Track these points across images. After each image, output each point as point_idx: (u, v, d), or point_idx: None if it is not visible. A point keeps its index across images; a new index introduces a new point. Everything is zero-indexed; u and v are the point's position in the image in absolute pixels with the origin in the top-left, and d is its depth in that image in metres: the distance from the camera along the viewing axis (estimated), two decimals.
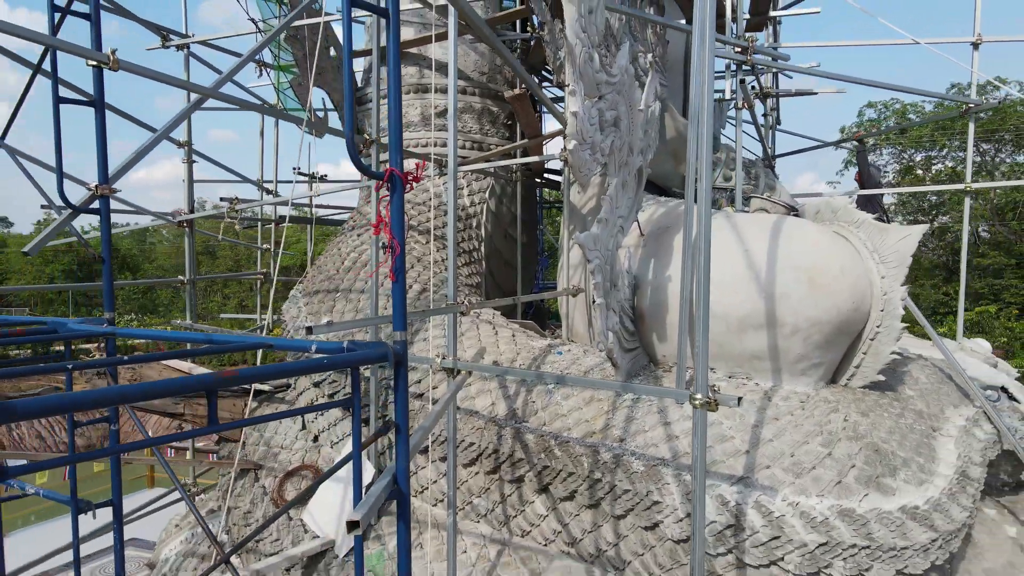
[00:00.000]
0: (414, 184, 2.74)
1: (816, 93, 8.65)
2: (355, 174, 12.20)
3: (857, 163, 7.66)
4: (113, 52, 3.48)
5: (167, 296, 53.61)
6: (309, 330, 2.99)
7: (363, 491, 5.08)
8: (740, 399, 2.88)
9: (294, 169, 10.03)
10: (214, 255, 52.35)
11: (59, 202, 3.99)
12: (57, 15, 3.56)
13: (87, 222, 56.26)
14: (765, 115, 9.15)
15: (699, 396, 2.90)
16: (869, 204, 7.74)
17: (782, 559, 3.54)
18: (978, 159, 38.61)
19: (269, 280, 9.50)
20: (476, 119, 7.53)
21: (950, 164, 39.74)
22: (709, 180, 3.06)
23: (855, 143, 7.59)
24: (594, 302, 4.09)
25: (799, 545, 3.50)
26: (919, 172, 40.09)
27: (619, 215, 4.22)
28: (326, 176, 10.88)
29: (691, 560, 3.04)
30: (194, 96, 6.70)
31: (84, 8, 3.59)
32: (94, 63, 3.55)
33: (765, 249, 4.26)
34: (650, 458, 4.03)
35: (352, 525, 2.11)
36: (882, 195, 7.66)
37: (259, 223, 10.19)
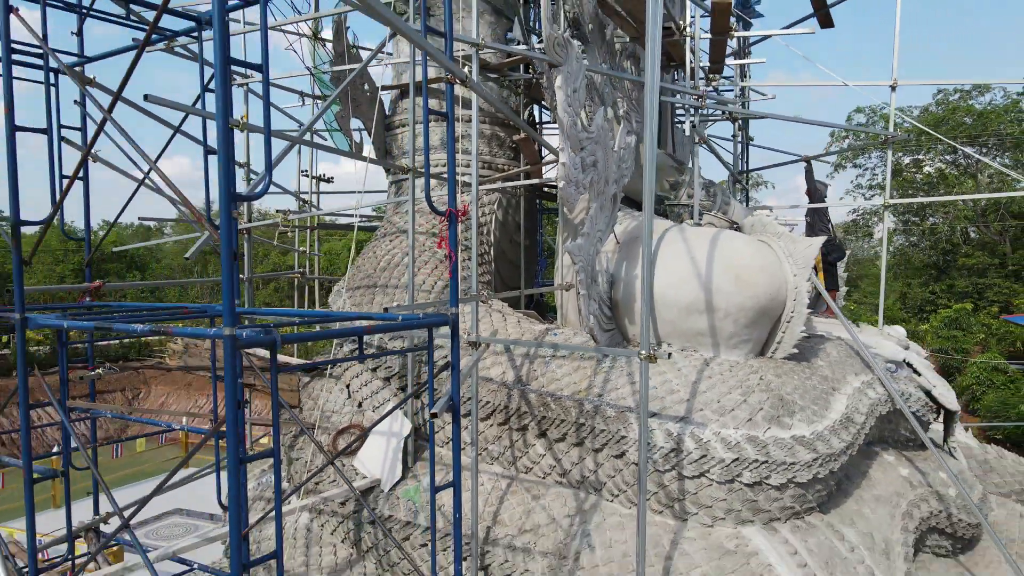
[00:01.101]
0: (462, 218, 4.31)
1: (766, 116, 10.16)
2: (357, 177, 13.70)
3: (806, 180, 9.21)
4: (244, 118, 5.04)
5: (174, 294, 55.07)
6: (385, 310, 4.57)
7: (403, 442, 6.71)
8: (670, 353, 4.46)
9: (303, 172, 11.42)
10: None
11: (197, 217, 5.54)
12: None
13: (99, 220, 58.22)
14: (734, 135, 10.73)
15: (644, 352, 4.48)
16: (817, 215, 9.31)
17: (708, 471, 5.12)
18: (963, 161, 40.12)
19: (306, 278, 11.03)
20: (487, 143, 9.09)
21: (940, 166, 41.30)
22: (652, 201, 4.63)
23: (805, 163, 9.12)
24: (579, 294, 5.67)
25: (719, 461, 5.08)
26: (908, 174, 41.64)
27: (598, 229, 5.80)
28: (332, 179, 12.26)
29: (639, 470, 4.60)
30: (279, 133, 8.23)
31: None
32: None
33: (706, 254, 5.84)
34: (620, 407, 5.60)
35: (433, 415, 3.69)
36: (826, 207, 9.23)
37: (296, 228, 11.72)
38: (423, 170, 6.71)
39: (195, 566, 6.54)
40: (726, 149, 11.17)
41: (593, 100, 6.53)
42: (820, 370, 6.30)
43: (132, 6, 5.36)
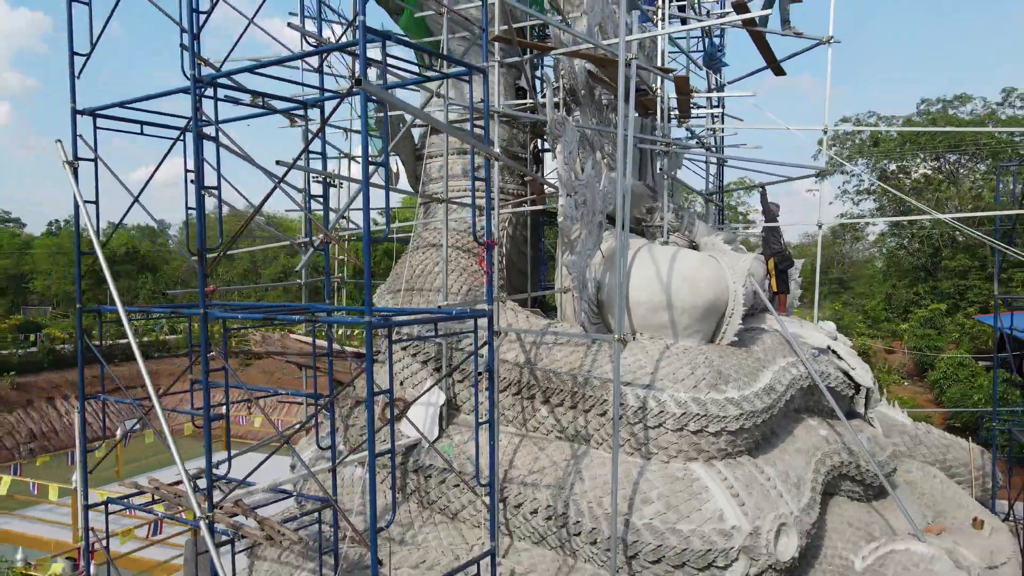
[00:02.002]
0: (495, 245, 6.44)
1: (729, 157, 12.32)
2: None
3: (761, 203, 11.32)
4: (334, 172, 7.15)
5: (186, 294, 57.10)
6: (440, 307, 6.69)
7: (439, 409, 8.84)
8: (635, 336, 6.58)
9: (313, 176, 13.47)
10: (232, 258, 55.81)
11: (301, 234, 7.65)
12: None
13: (106, 221, 60.25)
14: (707, 160, 12.88)
15: (617, 337, 6.60)
16: (770, 232, 11.44)
17: (665, 423, 7.26)
18: (947, 166, 42.19)
19: (344, 282, 13.11)
20: (499, 171, 11.22)
21: (927, 171, 43.40)
22: (627, 228, 6.77)
23: (760, 189, 11.25)
24: (574, 297, 7.80)
25: (672, 415, 7.22)
26: (899, 178, 43.78)
27: (588, 248, 7.93)
28: (342, 183, 14.23)
29: (613, 423, 6.71)
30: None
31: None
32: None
33: (667, 267, 7.98)
34: (603, 378, 7.73)
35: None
36: (778, 225, 11.36)
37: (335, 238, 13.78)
38: (454, 196, 8.84)
39: (295, 494, 8.60)
40: (700, 174, 13.31)
41: (585, 148, 8.66)
42: (755, 353, 8.45)
43: (258, 96, 7.45)
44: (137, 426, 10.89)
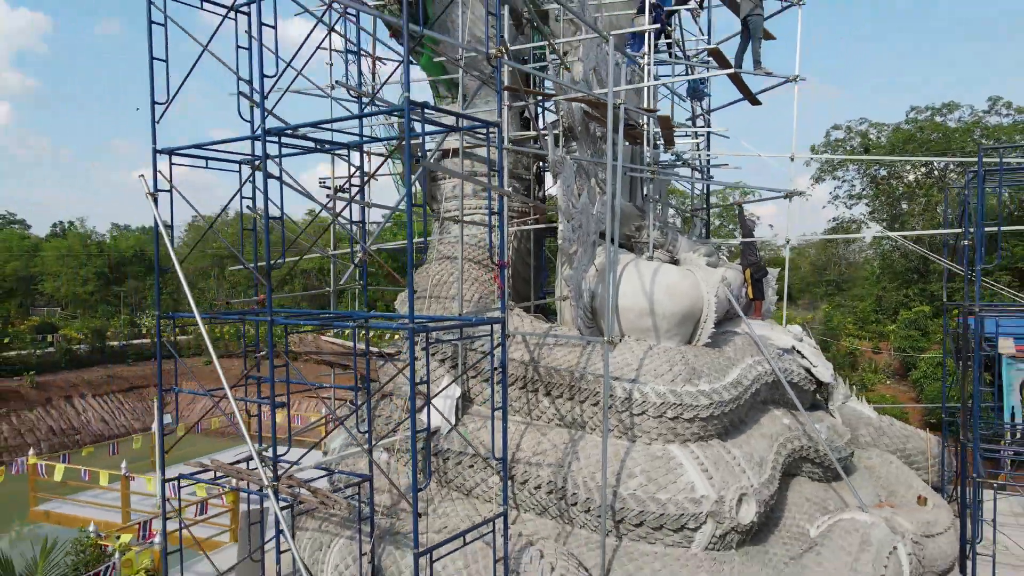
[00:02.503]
0: (508, 265, 7.93)
1: (709, 180, 13.78)
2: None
3: (738, 219, 12.79)
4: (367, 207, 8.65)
5: (193, 296, 58.44)
6: (460, 314, 8.19)
7: (455, 401, 10.39)
8: (621, 339, 8.09)
9: (321, 180, 14.93)
10: (237, 257, 57.16)
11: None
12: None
13: (109, 223, 61.86)
14: (691, 179, 14.36)
15: (607, 339, 8.10)
16: (747, 246, 12.94)
17: (647, 411, 8.77)
18: (937, 172, 43.63)
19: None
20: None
21: (919, 177, 44.86)
22: (616, 246, 8.27)
23: (737, 207, 12.71)
24: (571, 305, 9.29)
25: (653, 404, 8.72)
26: (891, 183, 45.24)
27: (583, 264, 9.43)
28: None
29: (603, 411, 8.20)
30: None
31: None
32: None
33: (651, 279, 9.47)
34: (596, 374, 9.23)
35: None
36: (754, 240, 12.86)
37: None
38: (466, 213, 10.33)
39: (336, 471, 10.07)
40: (687, 190, 14.79)
41: (581, 176, 10.15)
42: (726, 352, 9.96)
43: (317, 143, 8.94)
44: (167, 421, 12.31)
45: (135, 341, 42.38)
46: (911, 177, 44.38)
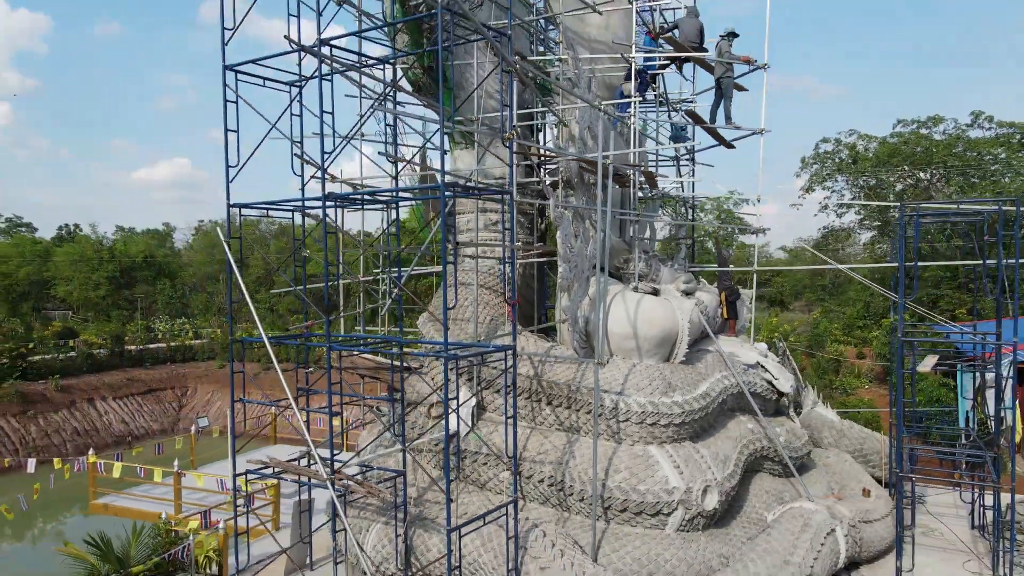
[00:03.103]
0: (519, 304, 9.97)
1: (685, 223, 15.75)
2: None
3: (715, 249, 14.80)
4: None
5: (202, 300, 60.56)
6: (478, 339, 10.24)
7: (472, 409, 12.54)
8: (610, 358, 10.15)
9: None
10: (248, 264, 59.24)
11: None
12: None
13: (114, 225, 64.00)
14: (675, 213, 16.40)
15: (597, 359, 10.15)
16: (724, 274, 14.99)
17: (630, 418, 10.83)
18: (923, 183, 45.60)
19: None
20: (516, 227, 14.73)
21: (906, 187, 46.84)
22: (606, 281, 10.33)
23: (714, 238, 14.71)
24: (569, 329, 11.34)
25: (635, 413, 10.79)
26: (879, 192, 47.22)
27: (579, 296, 11.48)
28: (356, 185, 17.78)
29: (594, 419, 10.24)
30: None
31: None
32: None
33: (634, 308, 11.53)
34: (589, 388, 11.28)
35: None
36: (729, 269, 14.90)
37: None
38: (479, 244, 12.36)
39: (375, 468, 12.08)
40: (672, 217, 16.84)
41: (578, 219, 12.18)
42: (698, 368, 12.03)
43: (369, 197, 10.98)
44: (203, 423, 14.36)
45: (151, 346, 44.39)
46: (899, 187, 46.44)
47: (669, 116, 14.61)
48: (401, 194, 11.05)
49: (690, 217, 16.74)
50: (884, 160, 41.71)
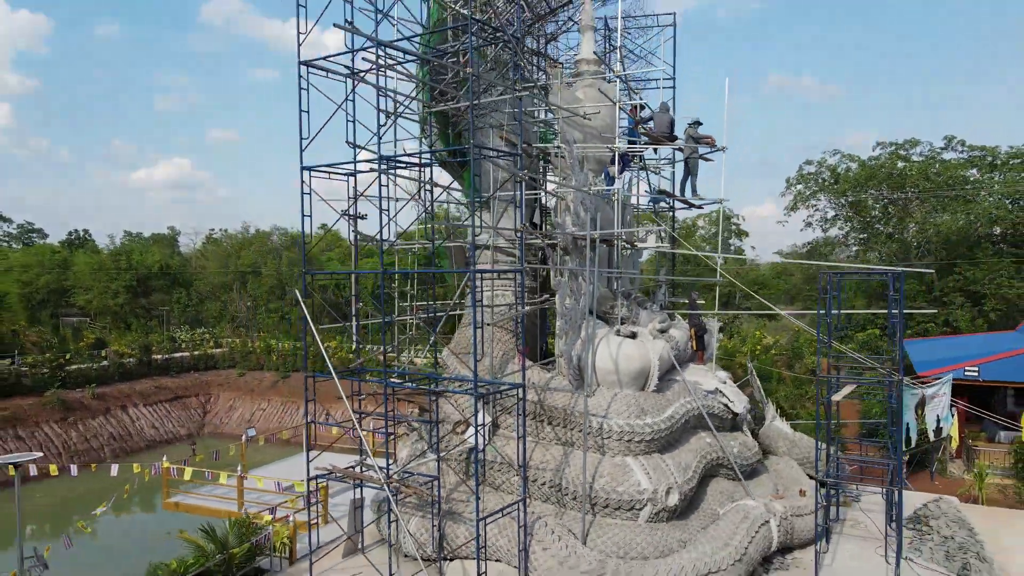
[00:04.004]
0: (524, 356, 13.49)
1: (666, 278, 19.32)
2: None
3: (689, 302, 18.29)
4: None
5: (216, 309, 64.02)
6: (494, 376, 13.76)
7: (488, 427, 16.18)
8: (596, 389, 13.71)
9: (344, 213, 20.61)
10: (260, 274, 62.71)
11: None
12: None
13: (122, 230, 67.36)
14: (659, 262, 19.93)
15: (587, 390, 13.67)
16: (693, 316, 18.50)
17: (612, 436, 14.37)
18: (901, 201, 49.02)
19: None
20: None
21: (884, 205, 50.24)
22: (593, 325, 13.87)
23: (691, 295, 18.28)
24: (564, 365, 14.87)
25: (616, 431, 14.33)
26: (858, 211, 50.57)
27: (573, 340, 14.99)
28: (366, 215, 21.29)
29: (583, 436, 13.73)
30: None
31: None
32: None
33: (616, 349, 15.06)
34: (580, 412, 14.79)
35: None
36: (699, 311, 18.39)
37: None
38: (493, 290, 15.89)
39: (415, 474, 15.62)
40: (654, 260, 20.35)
41: (573, 277, 15.67)
42: (666, 395, 15.56)
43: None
44: (251, 432, 17.86)
45: (176, 355, 47.87)
46: (878, 208, 49.94)
47: (649, 188, 18.15)
48: (439, 268, 14.55)
49: (671, 261, 20.25)
50: (863, 182, 45.21)
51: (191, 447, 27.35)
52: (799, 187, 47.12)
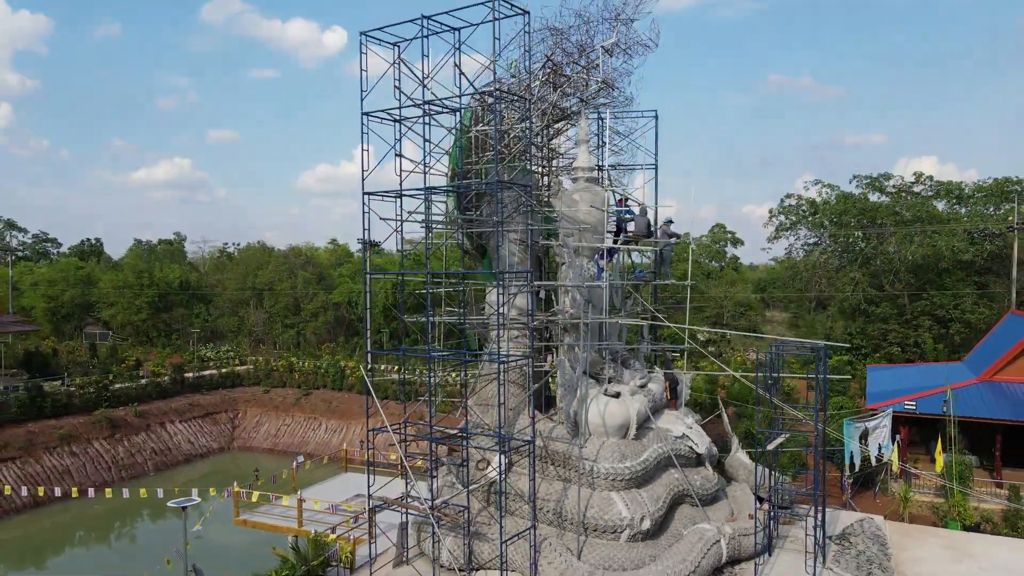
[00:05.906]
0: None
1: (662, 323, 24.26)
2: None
3: (664, 367, 23.05)
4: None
5: (233, 323, 68.86)
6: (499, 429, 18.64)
7: (504, 465, 21.26)
8: (588, 438, 18.60)
9: (359, 240, 25.37)
10: (275, 289, 67.46)
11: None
12: None
13: (132, 238, 71.76)
14: (648, 314, 24.83)
15: (579, 440, 18.54)
16: (669, 372, 23.36)
17: (600, 475, 19.28)
18: (867, 239, 53.69)
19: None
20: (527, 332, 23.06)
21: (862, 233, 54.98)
22: (586, 388, 18.77)
23: (667, 355, 23.08)
24: (563, 418, 19.74)
25: (603, 473, 19.25)
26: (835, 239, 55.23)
27: (570, 400, 19.85)
28: (380, 244, 26.13)
29: (579, 475, 18.57)
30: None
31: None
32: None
33: (604, 407, 19.93)
34: (576, 456, 19.64)
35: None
36: (672, 371, 23.21)
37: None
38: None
39: (446, 502, 20.53)
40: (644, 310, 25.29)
41: (571, 350, 20.45)
42: (643, 442, 20.47)
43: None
44: (300, 459, 22.78)
45: (204, 373, 52.75)
46: (858, 233, 54.76)
47: (633, 270, 22.99)
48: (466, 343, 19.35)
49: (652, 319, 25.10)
50: (839, 214, 50.07)
51: (254, 473, 32.36)
52: (781, 218, 51.93)
